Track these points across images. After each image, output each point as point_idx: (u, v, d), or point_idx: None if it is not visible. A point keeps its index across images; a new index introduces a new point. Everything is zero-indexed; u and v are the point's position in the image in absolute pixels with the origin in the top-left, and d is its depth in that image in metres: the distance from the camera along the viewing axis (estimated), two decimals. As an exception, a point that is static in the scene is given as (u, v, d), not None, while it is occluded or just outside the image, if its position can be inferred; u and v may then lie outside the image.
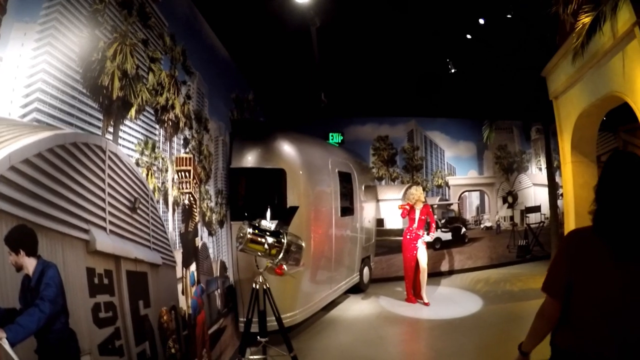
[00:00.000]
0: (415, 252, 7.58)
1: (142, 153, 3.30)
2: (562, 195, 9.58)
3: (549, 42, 7.71)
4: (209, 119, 4.84)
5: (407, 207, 7.65)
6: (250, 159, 5.61)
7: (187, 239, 4.04)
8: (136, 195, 3.13)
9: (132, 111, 3.17)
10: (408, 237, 7.67)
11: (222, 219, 5.11)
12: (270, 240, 4.12)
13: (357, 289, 8.34)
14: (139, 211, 3.15)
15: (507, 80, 9.22)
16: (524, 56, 8.67)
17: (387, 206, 9.80)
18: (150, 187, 3.39)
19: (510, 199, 11.24)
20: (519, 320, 6.51)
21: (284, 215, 4.44)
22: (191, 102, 4.35)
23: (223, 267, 5.13)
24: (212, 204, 4.81)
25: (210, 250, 4.69)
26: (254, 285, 4.30)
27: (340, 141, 9.71)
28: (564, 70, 7.30)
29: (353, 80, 9.38)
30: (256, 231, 4.08)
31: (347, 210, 7.50)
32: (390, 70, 9.41)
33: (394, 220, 9.63)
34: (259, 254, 4.18)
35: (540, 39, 8.10)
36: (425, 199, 7.81)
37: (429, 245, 9.03)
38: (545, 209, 11.11)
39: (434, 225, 7.93)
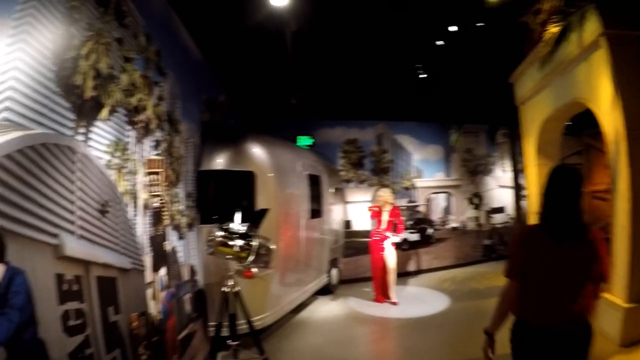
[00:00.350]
0: (383, 253, 7.68)
1: (113, 155, 3.24)
2: (525, 196, 9.93)
3: (517, 50, 7.92)
4: (180, 121, 4.78)
5: (376, 209, 7.74)
6: (220, 162, 5.56)
7: (157, 242, 3.98)
8: (106, 198, 3.07)
9: (105, 112, 3.11)
10: (376, 238, 7.75)
11: (191, 222, 5.05)
12: (240, 243, 4.10)
13: (326, 291, 8.37)
14: (108, 215, 3.09)
15: (476, 86, 9.52)
16: (492, 63, 8.91)
17: (355, 208, 9.91)
18: (121, 190, 3.33)
19: (476, 201, 11.55)
20: (486, 316, 6.57)
21: (254, 218, 4.42)
22: (163, 103, 4.29)
23: (192, 271, 5.07)
24: (182, 207, 4.75)
25: (180, 254, 4.62)
26: (223, 289, 4.27)
27: (310, 144, 9.71)
28: (531, 77, 7.54)
29: (324, 84, 9.53)
30: (226, 234, 4.06)
31: (316, 212, 7.52)
32: (361, 75, 9.57)
33: (361, 222, 9.72)
34: (229, 257, 4.15)
35: (508, 47, 8.30)
36: (393, 201, 7.93)
37: (397, 246, 9.12)
38: (510, 209, 11.67)
39: (401, 226, 8.04)
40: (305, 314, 7.32)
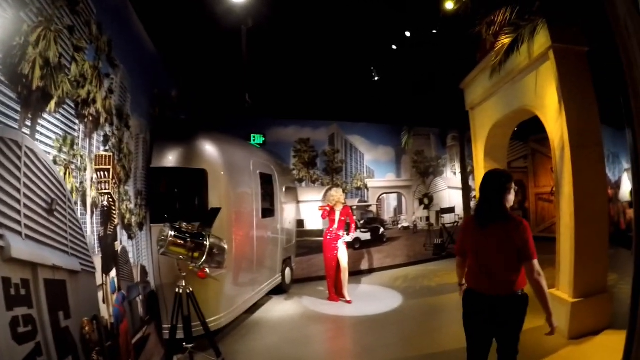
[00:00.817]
0: (335, 252, 7.72)
1: (60, 150, 3.05)
2: (474, 197, 10.35)
3: (469, 57, 8.22)
4: (130, 116, 4.58)
5: (328, 208, 7.76)
6: (171, 159, 5.37)
7: (107, 243, 3.80)
8: (53, 196, 2.90)
9: (52, 104, 2.94)
10: (328, 237, 7.79)
11: (141, 222, 4.85)
12: (192, 243, 3.99)
13: (280, 290, 8.34)
14: (56, 213, 2.91)
15: (428, 90, 9.78)
16: (444, 69, 9.19)
17: (308, 207, 9.91)
18: (68, 187, 3.15)
19: (426, 201, 11.82)
20: (439, 312, 7.02)
21: (206, 217, 4.32)
22: (113, 96, 4.10)
23: (144, 272, 4.87)
24: (132, 206, 4.56)
25: (130, 255, 4.43)
26: (177, 290, 4.14)
27: (262, 142, 9.60)
28: (481, 84, 7.85)
29: (277, 83, 9.46)
30: (177, 234, 3.93)
31: (268, 211, 7.47)
32: (315, 75, 9.58)
33: (314, 221, 9.74)
34: (181, 257, 4.04)
35: (461, 54, 8.57)
36: (345, 201, 7.97)
37: (349, 245, 9.19)
38: (459, 209, 12.04)
39: (353, 225, 8.11)
40: (260, 314, 7.24)
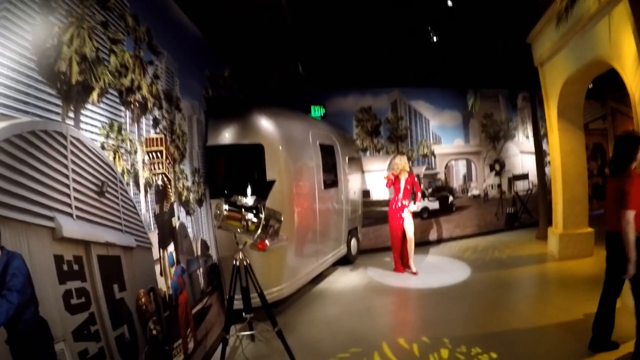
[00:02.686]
0: (401, 222, 7.64)
1: (107, 136, 3.27)
2: (549, 162, 9.72)
3: (535, 7, 7.60)
4: (180, 98, 4.79)
5: (392, 177, 7.66)
6: (227, 136, 5.58)
7: (163, 219, 4.05)
8: (103, 179, 3.12)
9: (94, 95, 3.14)
10: (394, 207, 7.71)
11: (200, 198, 5.12)
12: (247, 215, 4.14)
13: (345, 261, 8.45)
14: (107, 195, 3.14)
15: (492, 47, 9.15)
16: (508, 22, 8.55)
17: (373, 177, 9.86)
18: (119, 170, 3.38)
19: (497, 167, 11.33)
20: (507, 287, 6.72)
21: (261, 190, 4.44)
22: (160, 81, 4.30)
23: (204, 245, 5.16)
24: (189, 183, 4.81)
25: (189, 230, 4.70)
26: (234, 262, 4.34)
27: (322, 114, 9.64)
28: (549, 36, 7.29)
29: (333, 52, 9.26)
30: (232, 207, 4.10)
31: (331, 182, 7.51)
32: (371, 40, 9.28)
33: (380, 191, 9.70)
34: (238, 230, 4.20)
35: (525, 4, 7.97)
36: (410, 169, 7.83)
37: (417, 215, 9.28)
38: (533, 176, 11.30)
39: (419, 194, 7.97)
40: (324, 285, 7.41)
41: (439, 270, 7.94)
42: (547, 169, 9.94)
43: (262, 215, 4.18)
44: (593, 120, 12.30)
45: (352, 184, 8.70)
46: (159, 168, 4.07)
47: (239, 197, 4.22)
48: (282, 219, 4.51)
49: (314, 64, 9.29)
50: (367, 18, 8.69)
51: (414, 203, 7.84)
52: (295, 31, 7.39)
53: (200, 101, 5.56)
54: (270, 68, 8.52)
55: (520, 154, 11.62)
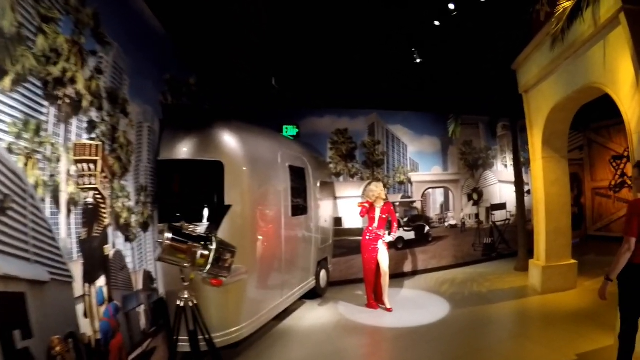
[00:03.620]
0: (375, 253, 7.03)
1: (18, 136, 2.54)
2: (528, 192, 9.56)
3: (520, 35, 7.48)
4: (129, 101, 4.08)
5: (367, 204, 7.06)
6: (183, 150, 4.84)
7: (91, 247, 3.28)
8: (6, 191, 2.39)
9: (6, 81, 2.43)
10: (368, 237, 7.11)
11: (146, 221, 4.36)
12: (195, 248, 3.41)
13: (314, 294, 7.80)
14: (9, 212, 2.40)
15: (475, 73, 8.92)
16: (493, 49, 8.34)
17: (346, 204, 9.25)
18: (30, 181, 2.64)
19: (475, 196, 11.01)
20: (490, 324, 6.28)
21: (213, 216, 3.74)
22: (103, 78, 3.59)
23: (148, 278, 4.38)
24: (132, 203, 4.06)
25: (129, 259, 3.93)
26: (178, 302, 3.58)
27: (295, 134, 9.04)
28: (536, 62, 7.14)
29: (310, 68, 8.80)
30: (178, 237, 3.36)
31: (300, 209, 6.91)
32: (350, 59, 8.90)
33: (353, 219, 9.07)
34: (185, 264, 3.46)
35: (510, 31, 7.81)
36: (386, 196, 7.27)
37: (391, 245, 8.61)
38: (511, 206, 11.08)
39: (395, 224, 7.36)
40: (289, 321, 6.68)
41: (415, 306, 7.33)
42: (527, 199, 9.72)
43: (213, 248, 3.45)
44: (571, 150, 12.22)
45: (324, 210, 8.11)
46: (90, 182, 3.31)
47: (187, 224, 3.48)
48: (236, 251, 3.80)
49: (289, 80, 8.79)
50: (347, 34, 8.27)
51: (390, 233, 7.21)
52: (270, 38, 6.81)
53: (156, 107, 4.88)
54: (241, 76, 7.86)
55: (499, 183, 11.37)
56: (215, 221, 3.72)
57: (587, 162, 12.38)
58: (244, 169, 5.11)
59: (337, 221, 9.20)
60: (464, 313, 6.71)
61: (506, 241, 11.23)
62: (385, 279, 7.04)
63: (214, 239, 3.52)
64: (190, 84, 6.45)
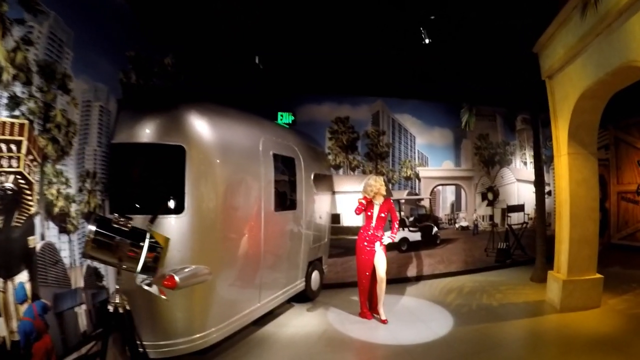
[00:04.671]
0: (371, 257, 6.63)
1: None
2: (549, 193, 9.43)
3: (542, 13, 6.93)
4: (71, 76, 3.77)
5: (364, 201, 6.69)
6: (140, 133, 4.49)
7: (9, 237, 3.00)
8: None
9: None
10: (363, 238, 6.74)
11: (92, 211, 4.06)
12: (122, 245, 3.09)
13: (304, 297, 7.49)
14: None
15: (492, 58, 8.48)
16: (511, 30, 7.75)
17: (345, 200, 8.87)
18: None
19: (490, 196, 10.60)
20: (497, 349, 5.64)
21: (152, 208, 3.42)
22: (33, 49, 3.29)
23: (94, 274, 4.10)
24: (72, 191, 3.76)
25: (65, 253, 3.64)
26: (108, 307, 3.26)
27: (290, 122, 8.76)
28: (562, 41, 6.61)
29: (307, 49, 8.36)
30: (102, 230, 3.04)
31: (287, 203, 6.59)
32: (352, 39, 8.40)
33: (352, 216, 8.65)
34: (114, 263, 3.14)
35: (531, 9, 7.24)
36: (386, 192, 6.85)
37: (394, 247, 8.65)
38: (529, 207, 10.78)
39: (397, 224, 6.94)
40: (270, 327, 6.34)
41: (414, 318, 6.88)
42: (547, 200, 9.44)
43: (145, 245, 3.12)
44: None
45: (318, 206, 7.77)
46: (10, 165, 3.02)
47: (119, 216, 3.15)
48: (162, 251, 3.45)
49: (283, 62, 8.45)
50: (349, 12, 7.84)
51: (390, 235, 6.81)
52: (260, 13, 6.47)
53: (114, 86, 4.57)
54: (229, 59, 7.56)
55: (517, 182, 10.96)
56: (153, 213, 3.38)
57: (613, 162, 11.71)
58: (212, 155, 4.77)
59: (335, 218, 8.84)
60: (469, 332, 6.19)
61: (522, 247, 10.80)
62: (381, 287, 6.63)
63: (148, 235, 3.19)
64: (166, 64, 6.17)
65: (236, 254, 5.24)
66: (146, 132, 4.53)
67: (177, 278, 4.03)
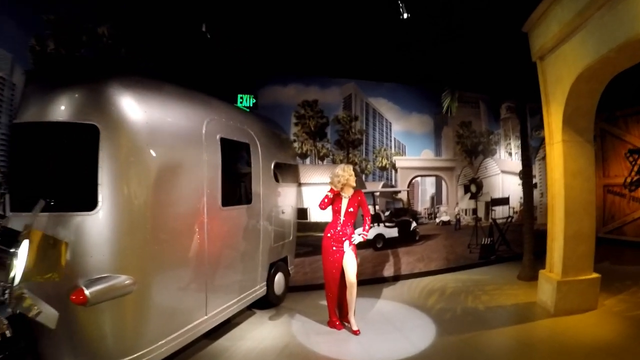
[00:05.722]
0: (339, 258, 6.00)
1: None
2: (535, 185, 9.25)
3: None
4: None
5: (330, 194, 6.01)
6: (49, 111, 3.79)
7: None
8: None
9: None
10: (330, 236, 6.09)
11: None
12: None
13: (267, 303, 6.92)
14: None
15: (476, 38, 8.11)
16: (499, 6, 7.45)
17: (313, 192, 8.33)
18: None
19: (473, 188, 10.35)
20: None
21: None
22: None
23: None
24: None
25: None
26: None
27: (251, 105, 8.11)
28: (557, 17, 6.24)
29: (272, 24, 7.84)
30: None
31: (239, 197, 5.96)
32: (323, 16, 7.89)
33: (321, 211, 8.14)
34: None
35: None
36: (355, 184, 6.17)
37: (369, 244, 8.55)
38: (514, 201, 10.78)
39: (369, 219, 6.25)
40: (223, 341, 5.68)
41: (391, 327, 6.25)
42: (536, 193, 9.40)
43: (16, 252, 2.42)
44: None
45: (281, 199, 7.19)
46: None
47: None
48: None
49: (243, 37, 7.89)
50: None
51: (361, 232, 6.12)
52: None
53: (22, 55, 3.88)
54: (178, 32, 6.92)
55: (501, 173, 10.75)
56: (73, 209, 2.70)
57: (599, 155, 11.72)
58: (136, 137, 4.08)
59: (302, 213, 8.31)
60: (453, 343, 5.59)
61: (507, 242, 10.60)
62: (351, 292, 5.97)
63: (21, 239, 2.48)
64: (99, 34, 5.48)
65: (172, 258, 4.54)
66: (57, 110, 3.83)
67: (87, 292, 3.49)
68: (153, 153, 4.22)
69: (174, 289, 4.59)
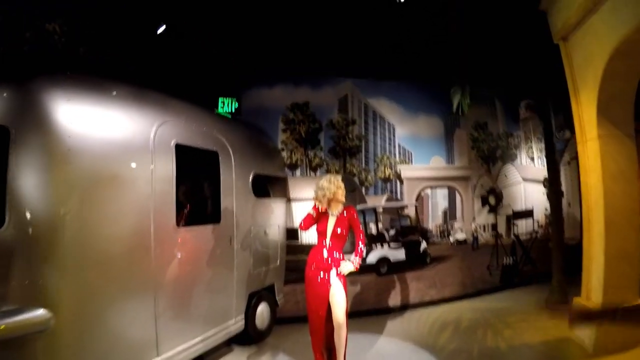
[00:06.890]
0: (325, 290, 5.04)
1: None
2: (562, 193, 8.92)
3: None
4: None
5: (313, 212, 5.24)
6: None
7: None
8: None
9: None
10: (313, 267, 5.19)
11: None
12: None
13: (248, 337, 6.29)
14: None
15: (488, 22, 7.68)
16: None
17: (304, 209, 7.62)
18: None
19: (492, 200, 10.01)
20: None
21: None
22: None
23: None
24: None
25: None
26: None
27: (233, 110, 8.03)
28: None
29: (256, 18, 7.68)
30: None
31: (203, 214, 5.50)
32: (313, 5, 7.68)
33: (314, 231, 7.54)
34: None
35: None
36: (344, 198, 5.27)
37: (371, 269, 8.30)
38: (539, 213, 10.35)
39: (362, 243, 5.34)
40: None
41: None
42: (563, 203, 9.02)
43: None
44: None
45: (263, 218, 6.62)
46: None
47: None
48: None
49: (224, 33, 7.69)
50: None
51: (352, 260, 5.17)
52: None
53: None
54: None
55: (523, 182, 10.45)
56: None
57: None
58: (58, 141, 3.74)
59: (292, 233, 7.75)
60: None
61: (533, 261, 10.03)
62: (339, 335, 5.02)
63: None
64: (49, 30, 5.40)
65: (104, 288, 4.05)
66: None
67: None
68: (80, 162, 3.82)
69: (109, 325, 4.09)
